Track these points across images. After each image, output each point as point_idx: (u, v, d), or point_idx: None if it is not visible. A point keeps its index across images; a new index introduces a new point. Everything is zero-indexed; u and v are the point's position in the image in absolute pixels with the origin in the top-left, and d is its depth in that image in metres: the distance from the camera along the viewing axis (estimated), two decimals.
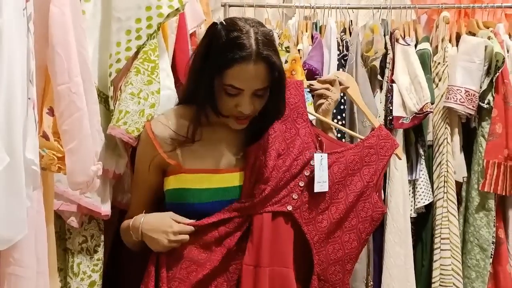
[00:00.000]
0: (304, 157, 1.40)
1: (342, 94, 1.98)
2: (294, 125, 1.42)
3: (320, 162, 1.39)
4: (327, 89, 1.56)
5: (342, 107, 2.13)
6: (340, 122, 2.11)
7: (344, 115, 2.13)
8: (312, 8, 2.42)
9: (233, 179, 1.36)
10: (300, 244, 1.39)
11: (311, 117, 1.52)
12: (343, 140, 2.09)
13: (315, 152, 1.41)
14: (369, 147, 1.48)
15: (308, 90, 1.57)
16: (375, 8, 2.42)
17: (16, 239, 0.83)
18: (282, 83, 1.32)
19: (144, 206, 1.41)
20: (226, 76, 1.25)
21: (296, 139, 1.40)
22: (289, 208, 1.37)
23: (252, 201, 1.34)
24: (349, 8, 2.43)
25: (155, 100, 1.40)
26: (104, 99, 1.47)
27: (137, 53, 1.42)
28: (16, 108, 0.83)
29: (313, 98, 1.62)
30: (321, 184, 1.39)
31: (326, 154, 1.41)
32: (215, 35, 1.27)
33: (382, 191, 2.07)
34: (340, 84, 1.59)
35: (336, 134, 1.66)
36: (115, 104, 1.43)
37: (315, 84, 1.58)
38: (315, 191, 1.38)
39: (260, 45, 1.24)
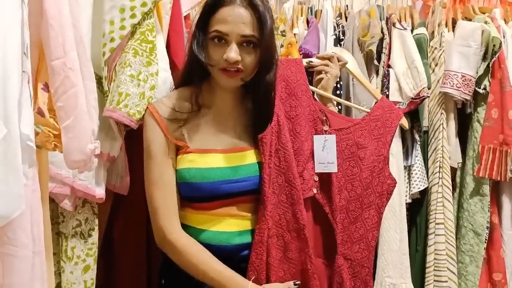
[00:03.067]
0: (313, 137, 1.40)
1: (338, 80, 1.98)
2: (300, 102, 1.40)
3: (324, 143, 1.38)
4: (326, 65, 1.57)
5: (338, 91, 2.10)
6: (337, 107, 2.09)
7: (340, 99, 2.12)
8: None
9: (240, 158, 1.35)
10: (323, 225, 1.39)
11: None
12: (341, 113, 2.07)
13: (321, 133, 1.40)
14: (376, 119, 1.48)
15: (308, 67, 1.58)
16: None
17: (13, 215, 0.80)
18: (269, 33, 1.28)
19: (174, 185, 1.34)
20: (212, 23, 1.28)
21: (301, 118, 1.39)
22: (315, 191, 1.38)
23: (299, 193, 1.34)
24: None
25: (154, 82, 1.38)
26: (97, 80, 1.43)
27: (133, 33, 1.38)
28: (11, 81, 0.79)
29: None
30: (325, 165, 1.39)
31: (332, 136, 1.40)
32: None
33: None
34: (339, 60, 1.60)
35: (336, 108, 1.67)
36: (110, 85, 1.39)
37: (314, 60, 1.60)
38: (316, 171, 1.38)
39: None
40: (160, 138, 1.33)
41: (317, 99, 1.59)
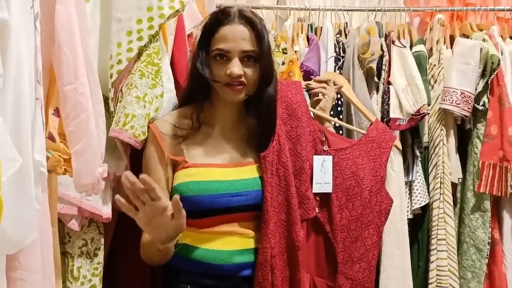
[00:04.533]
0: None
1: (338, 96, 2.01)
2: (300, 123, 1.43)
3: (322, 164, 1.41)
4: (323, 87, 1.64)
5: (339, 109, 2.13)
6: (337, 124, 2.11)
7: (341, 117, 2.14)
8: (307, 10, 2.42)
9: (240, 173, 1.37)
10: (325, 244, 1.41)
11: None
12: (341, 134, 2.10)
13: (320, 153, 1.43)
14: (372, 140, 1.52)
15: (306, 89, 1.65)
16: (370, 10, 2.44)
17: (26, 242, 0.81)
18: (267, 48, 1.35)
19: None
20: (213, 42, 1.34)
21: (302, 138, 1.41)
22: (317, 210, 1.41)
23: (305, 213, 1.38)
24: (344, 10, 2.44)
25: (159, 104, 1.40)
26: (103, 100, 1.45)
27: (139, 55, 1.40)
28: (24, 109, 0.81)
29: (310, 97, 1.70)
30: (322, 185, 1.42)
31: (329, 157, 1.43)
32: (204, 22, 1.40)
33: None
34: (334, 84, 1.67)
35: (334, 129, 1.74)
36: (116, 105, 1.41)
37: (312, 83, 1.67)
38: (313, 191, 1.40)
39: (242, 11, 1.36)
40: (157, 156, 1.36)
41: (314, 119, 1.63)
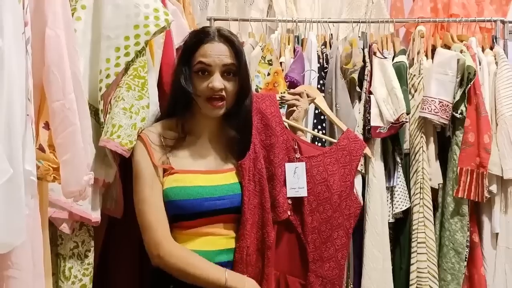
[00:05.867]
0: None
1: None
2: (274, 132, 1.54)
3: (294, 170, 1.52)
4: (297, 99, 1.74)
5: (322, 117, 2.22)
6: (321, 132, 2.21)
7: (324, 125, 2.23)
8: (294, 22, 2.52)
9: (222, 179, 1.49)
10: (297, 245, 1.53)
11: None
12: (325, 145, 2.18)
13: (293, 160, 1.54)
14: (342, 149, 1.62)
15: (280, 101, 1.74)
16: (354, 22, 2.54)
17: (16, 244, 0.90)
18: (244, 63, 1.48)
19: (162, 203, 1.46)
20: (195, 57, 1.46)
21: (276, 147, 1.53)
22: (289, 213, 1.52)
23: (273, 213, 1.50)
24: (329, 22, 2.54)
25: (145, 114, 1.50)
26: (94, 112, 1.55)
27: (126, 69, 1.50)
28: (16, 124, 0.91)
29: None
30: (296, 190, 1.54)
31: (302, 163, 1.53)
32: (184, 41, 1.53)
33: (361, 197, 2.17)
34: (308, 96, 1.77)
35: (306, 138, 1.83)
36: (105, 117, 1.51)
37: (286, 95, 1.77)
38: (288, 196, 1.51)
39: (220, 30, 1.50)
40: (150, 161, 1.47)
41: (288, 128, 1.73)
